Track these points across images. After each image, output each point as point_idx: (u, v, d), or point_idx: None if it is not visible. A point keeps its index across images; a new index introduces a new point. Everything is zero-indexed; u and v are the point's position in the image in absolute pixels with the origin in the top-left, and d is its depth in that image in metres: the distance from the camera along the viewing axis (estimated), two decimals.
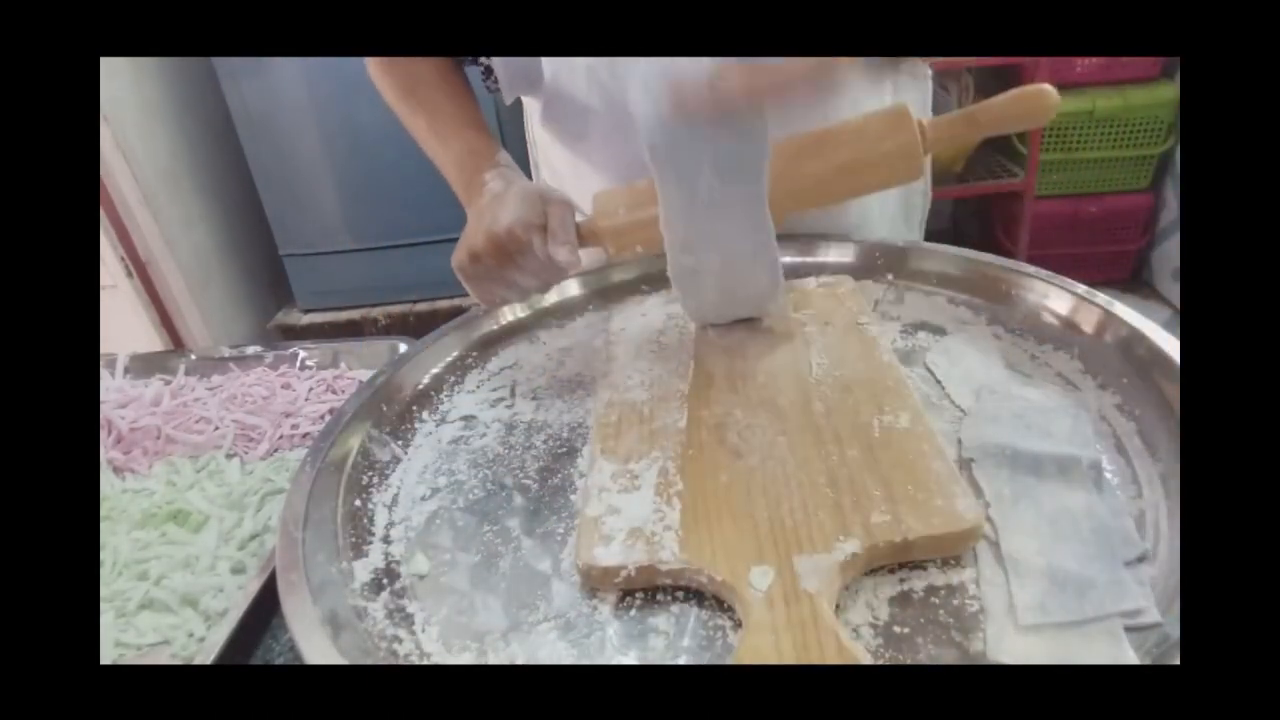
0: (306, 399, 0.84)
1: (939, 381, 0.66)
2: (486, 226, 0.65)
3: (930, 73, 0.91)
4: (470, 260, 0.66)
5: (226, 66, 2.02)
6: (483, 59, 0.84)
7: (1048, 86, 0.66)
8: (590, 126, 0.80)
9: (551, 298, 0.83)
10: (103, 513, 0.70)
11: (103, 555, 0.64)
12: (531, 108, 0.92)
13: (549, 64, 0.76)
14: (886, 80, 0.78)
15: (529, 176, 1.04)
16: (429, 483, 0.64)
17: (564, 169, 0.90)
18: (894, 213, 0.92)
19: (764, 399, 0.63)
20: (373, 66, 0.82)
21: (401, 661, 0.49)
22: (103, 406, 0.83)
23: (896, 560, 0.50)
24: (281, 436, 0.79)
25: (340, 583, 0.53)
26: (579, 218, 0.69)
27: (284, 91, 2.02)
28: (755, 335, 0.71)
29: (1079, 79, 2.18)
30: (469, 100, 0.80)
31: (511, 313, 0.81)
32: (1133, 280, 2.42)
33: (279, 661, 0.56)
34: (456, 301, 2.28)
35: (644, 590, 0.51)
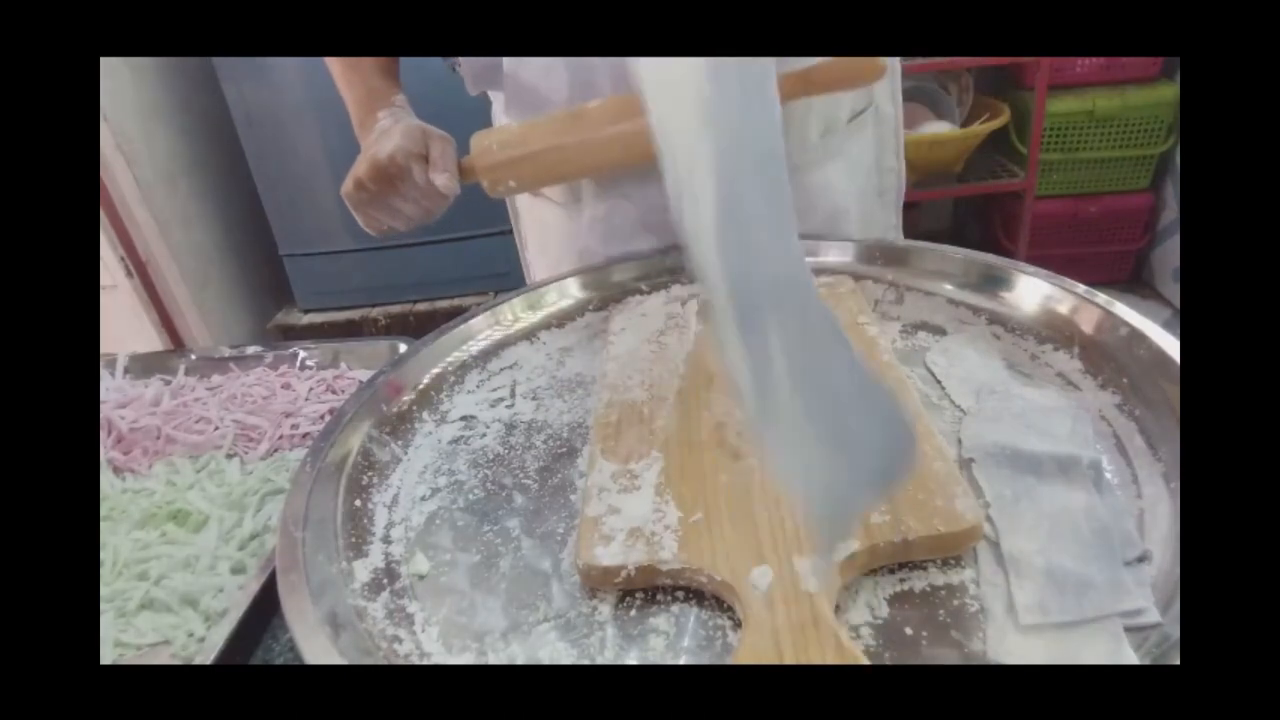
0: (306, 399, 0.84)
1: (939, 381, 0.66)
2: (371, 155, 0.71)
3: (898, 67, 0.91)
4: (355, 187, 0.72)
5: (226, 66, 2.02)
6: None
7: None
8: (554, 85, 0.80)
9: (551, 297, 0.83)
10: (103, 513, 0.70)
11: (103, 555, 0.64)
12: (495, 101, 0.92)
13: (509, 60, 0.79)
14: None
15: (497, 201, 1.04)
16: (429, 483, 0.64)
17: None
18: (863, 186, 0.90)
19: None
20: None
21: (401, 661, 0.49)
22: (103, 406, 0.83)
23: (896, 560, 0.50)
24: (281, 436, 0.79)
25: (340, 583, 0.53)
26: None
27: (284, 91, 2.02)
28: None
29: (1079, 79, 2.18)
30: (393, 59, 0.83)
31: (511, 313, 0.81)
32: (1133, 280, 2.42)
33: (279, 661, 0.56)
34: (456, 301, 2.28)
35: (644, 590, 0.51)
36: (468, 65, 0.83)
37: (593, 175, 0.82)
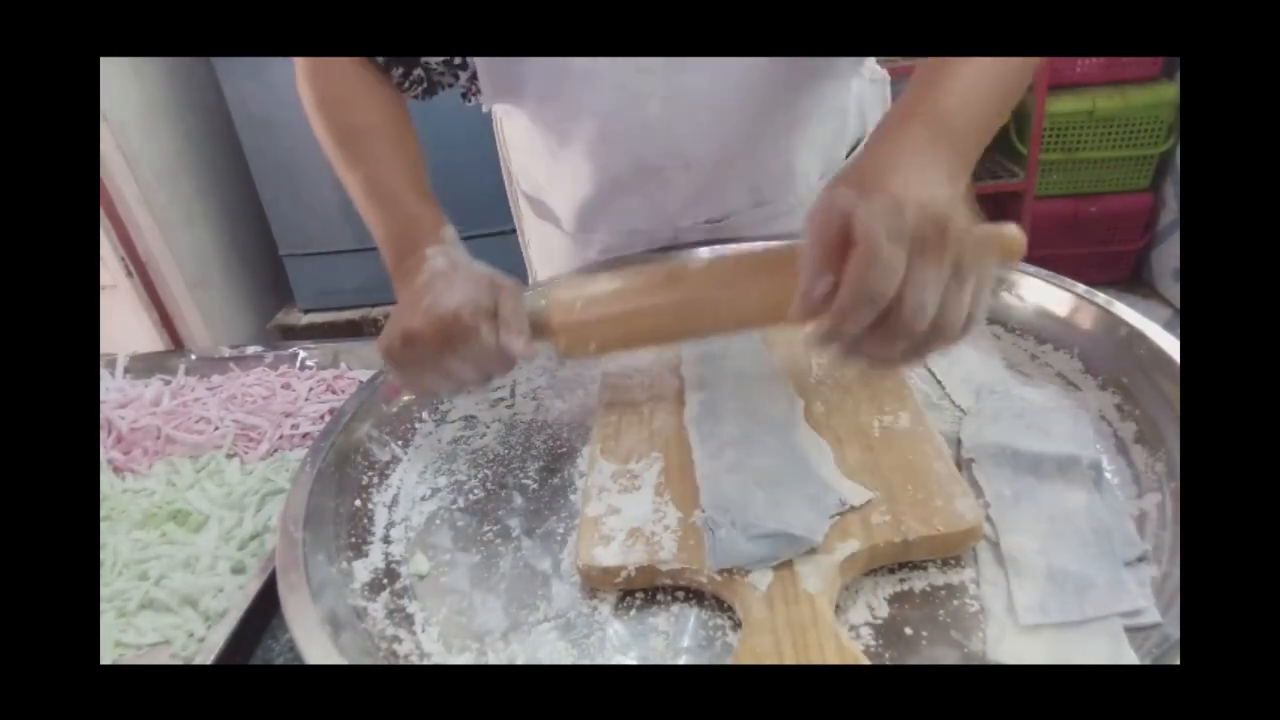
0: (306, 399, 0.84)
1: (939, 381, 0.66)
2: (428, 307, 0.57)
3: (887, 77, 0.92)
4: (404, 343, 0.57)
5: (226, 66, 2.02)
6: (463, 70, 0.78)
7: None
8: (577, 133, 0.77)
9: None
10: (103, 513, 0.70)
11: (103, 555, 0.64)
12: (505, 118, 0.91)
13: (539, 68, 0.73)
14: (826, 82, 0.78)
15: (505, 188, 1.03)
16: (429, 483, 0.64)
17: (542, 179, 0.89)
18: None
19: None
20: (311, 107, 0.73)
21: (401, 661, 0.49)
22: (103, 406, 0.83)
23: (896, 560, 0.50)
24: (281, 436, 0.79)
25: (340, 583, 0.54)
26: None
27: (284, 91, 2.00)
28: (754, 337, 0.71)
29: (1079, 79, 2.18)
30: (416, 157, 0.71)
31: None
32: (1133, 280, 2.42)
33: (279, 661, 0.56)
34: None
35: (644, 590, 0.51)
36: (486, 73, 0.74)
37: (692, 339, 0.65)
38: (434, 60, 0.74)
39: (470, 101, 0.81)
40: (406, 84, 0.75)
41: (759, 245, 0.68)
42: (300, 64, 0.73)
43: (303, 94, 0.73)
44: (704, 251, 0.80)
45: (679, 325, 0.61)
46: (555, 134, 0.78)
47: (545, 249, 0.95)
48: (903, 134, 0.49)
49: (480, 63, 0.73)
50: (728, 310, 0.59)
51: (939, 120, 0.50)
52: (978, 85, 0.52)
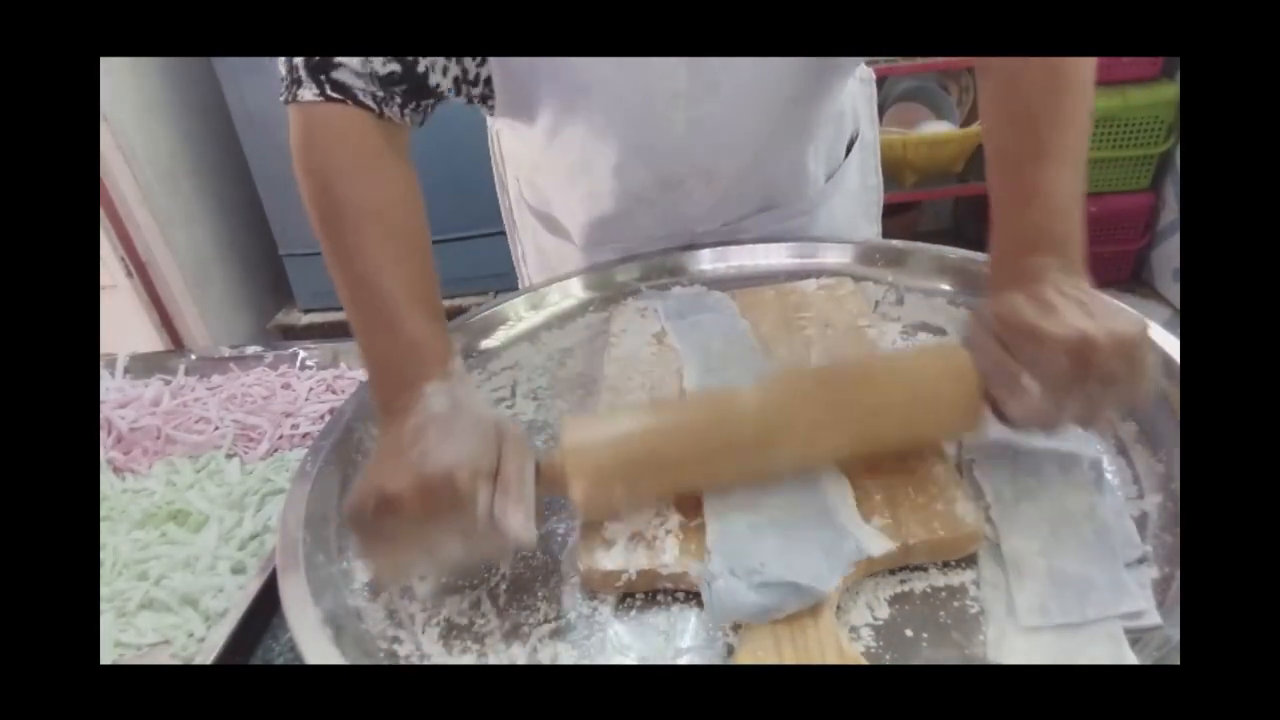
0: (306, 399, 0.84)
1: None
2: (416, 463, 0.47)
3: (873, 76, 0.93)
4: (379, 510, 0.46)
5: (226, 66, 2.02)
6: (477, 83, 0.72)
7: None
8: (599, 156, 0.75)
9: (553, 298, 0.83)
10: (103, 513, 0.70)
11: (103, 555, 0.64)
12: (508, 131, 0.88)
13: (558, 90, 0.69)
14: (835, 85, 0.77)
15: (498, 203, 1.02)
16: None
17: (553, 197, 0.87)
18: (853, 208, 0.93)
19: None
20: (303, 176, 0.60)
21: (401, 661, 0.49)
22: (103, 406, 0.83)
23: (897, 564, 0.49)
24: (281, 436, 0.79)
25: (340, 583, 0.53)
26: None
27: None
28: (755, 337, 0.71)
29: None
30: (425, 255, 0.59)
31: (513, 312, 0.81)
32: (1133, 280, 2.42)
33: (279, 661, 0.56)
34: (457, 302, 2.28)
35: (644, 592, 0.51)
36: (502, 84, 0.69)
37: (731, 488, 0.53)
38: (444, 84, 0.67)
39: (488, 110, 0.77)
40: (416, 110, 0.65)
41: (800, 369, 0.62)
42: (294, 125, 0.61)
43: (296, 163, 0.61)
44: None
45: (727, 469, 0.52)
46: (575, 156, 0.76)
47: (546, 261, 0.94)
48: (1036, 269, 0.52)
49: (497, 81, 0.69)
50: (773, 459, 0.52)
51: (1056, 243, 0.53)
52: (1069, 185, 0.54)
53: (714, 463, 0.52)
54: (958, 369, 0.52)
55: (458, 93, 0.69)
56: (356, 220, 0.57)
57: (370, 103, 0.61)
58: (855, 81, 0.89)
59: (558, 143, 0.75)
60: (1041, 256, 0.52)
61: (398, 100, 0.63)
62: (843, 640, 0.44)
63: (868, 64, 0.92)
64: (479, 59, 0.68)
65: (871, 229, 0.98)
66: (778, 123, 0.74)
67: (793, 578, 0.45)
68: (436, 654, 0.49)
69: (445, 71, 0.66)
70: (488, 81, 0.70)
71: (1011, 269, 0.53)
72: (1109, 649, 0.43)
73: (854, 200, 0.93)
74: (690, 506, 0.53)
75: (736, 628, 0.47)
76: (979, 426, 0.53)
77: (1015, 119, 0.57)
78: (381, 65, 0.61)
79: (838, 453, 0.53)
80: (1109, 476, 0.54)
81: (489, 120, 0.93)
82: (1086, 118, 0.56)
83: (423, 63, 0.63)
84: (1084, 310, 0.48)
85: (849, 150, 0.91)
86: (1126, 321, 0.47)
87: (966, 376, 0.51)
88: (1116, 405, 0.51)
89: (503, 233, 1.04)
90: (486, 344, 0.79)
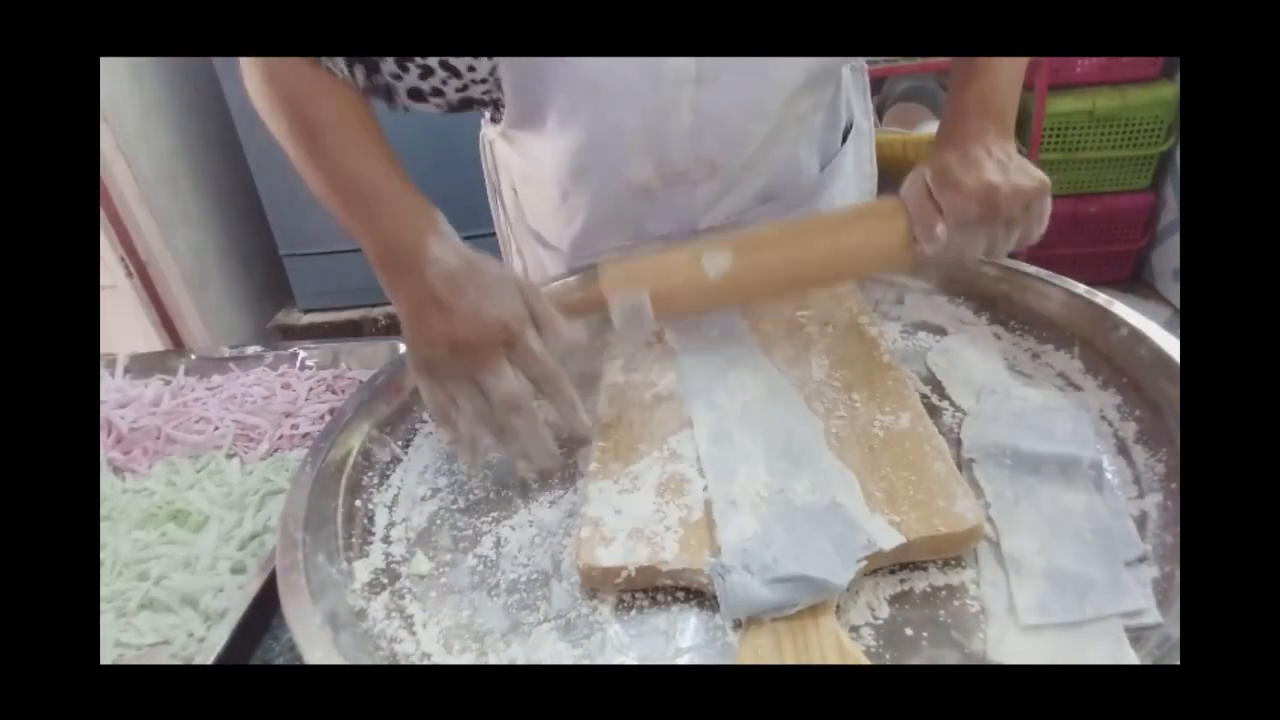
0: (306, 399, 0.84)
1: (939, 381, 0.66)
2: (473, 315, 0.55)
3: (864, 65, 0.93)
4: (453, 353, 0.55)
5: (226, 66, 2.02)
6: (488, 95, 0.74)
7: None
8: (603, 150, 0.75)
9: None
10: (103, 513, 0.70)
11: (103, 555, 0.64)
12: (500, 141, 0.88)
13: (569, 85, 0.70)
14: (834, 73, 0.79)
15: (488, 208, 1.02)
16: (429, 483, 0.64)
17: (547, 208, 0.87)
18: (849, 196, 0.93)
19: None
20: (266, 107, 0.67)
21: (401, 661, 0.49)
22: (103, 406, 0.83)
23: (897, 561, 0.49)
24: (281, 436, 0.79)
25: (340, 583, 0.54)
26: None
27: None
28: (755, 337, 0.71)
29: (1079, 79, 2.18)
30: (387, 148, 0.65)
31: None
32: (1133, 280, 2.41)
33: (279, 661, 0.56)
34: None
35: (644, 590, 0.51)
36: (512, 91, 0.70)
37: (765, 298, 0.72)
38: (451, 91, 0.70)
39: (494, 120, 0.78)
40: (369, 85, 0.69)
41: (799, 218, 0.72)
42: (249, 65, 0.66)
43: (255, 98, 0.67)
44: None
45: (760, 282, 0.66)
46: (577, 155, 0.76)
47: (542, 270, 0.94)
48: (974, 131, 0.64)
49: (507, 85, 0.70)
50: (821, 261, 0.66)
51: (993, 109, 0.65)
52: (1012, 72, 0.67)
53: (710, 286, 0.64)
54: (888, 210, 0.64)
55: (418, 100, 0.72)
56: (325, 126, 0.64)
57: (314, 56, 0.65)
58: (848, 70, 0.89)
59: (560, 142, 0.75)
60: (979, 121, 0.64)
61: (360, 70, 0.68)
62: (843, 639, 0.44)
63: (883, 61, 0.92)
64: (490, 70, 0.69)
65: None
66: (781, 110, 0.74)
67: (806, 572, 0.46)
68: (437, 654, 0.49)
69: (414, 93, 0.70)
70: (487, 84, 0.70)
71: (953, 130, 0.65)
72: (1109, 647, 0.43)
73: (851, 189, 0.92)
74: (692, 503, 0.53)
75: (736, 627, 0.47)
76: (905, 262, 0.65)
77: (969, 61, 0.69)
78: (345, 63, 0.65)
79: (787, 271, 0.66)
80: (1109, 476, 0.54)
81: (481, 129, 0.93)
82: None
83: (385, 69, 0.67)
84: (999, 167, 0.60)
85: (844, 140, 0.91)
86: (1030, 177, 0.60)
87: (895, 217, 0.64)
88: (1017, 244, 0.63)
89: (496, 234, 1.03)
90: None
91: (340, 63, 0.66)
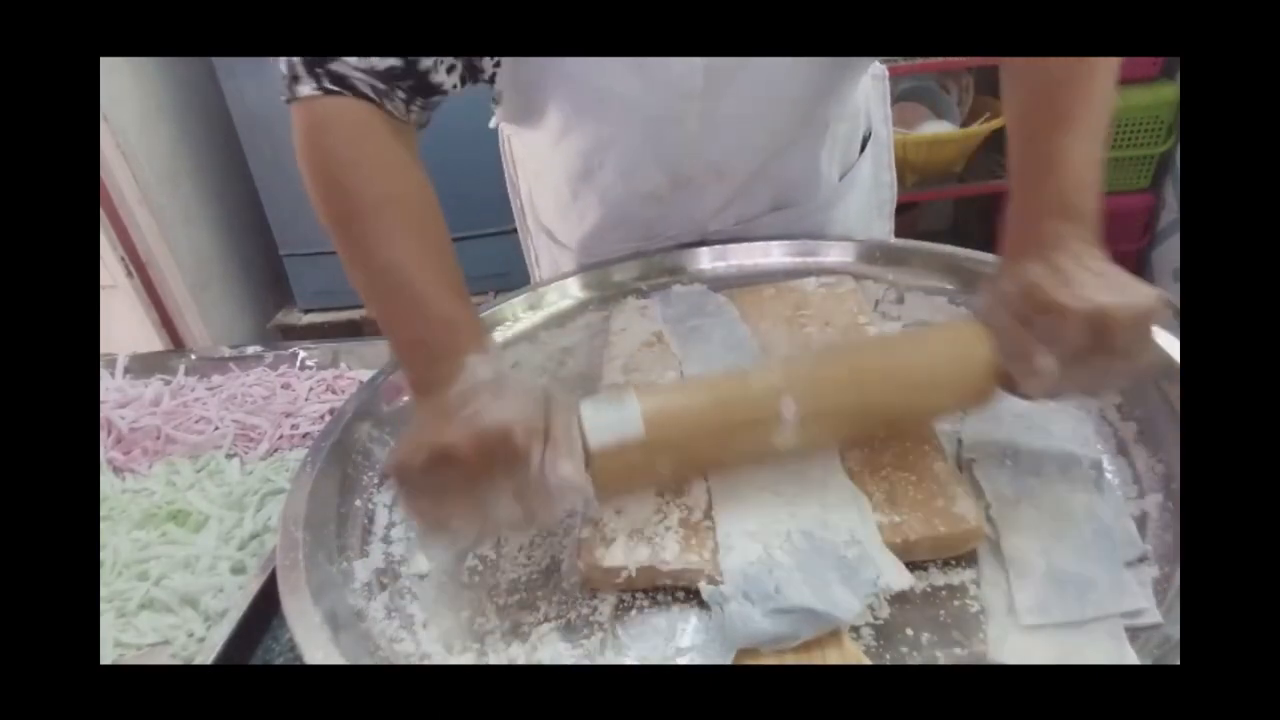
0: (306, 399, 0.84)
1: None
2: (469, 418, 0.48)
3: (886, 73, 0.93)
4: (432, 462, 0.47)
5: (226, 66, 2.02)
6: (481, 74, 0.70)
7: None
8: (610, 155, 0.75)
9: (552, 297, 0.83)
10: (103, 513, 0.70)
11: (103, 555, 0.64)
12: (514, 138, 0.89)
13: (571, 92, 0.68)
14: (848, 82, 0.78)
15: (497, 204, 1.01)
16: None
17: (556, 207, 0.87)
18: (866, 204, 0.93)
19: None
20: (310, 175, 0.60)
21: (401, 661, 0.49)
22: (103, 406, 0.83)
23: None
24: (281, 436, 0.79)
25: (340, 583, 0.53)
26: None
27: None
28: (755, 338, 0.71)
29: None
30: (445, 242, 0.59)
31: (512, 313, 0.81)
32: None
33: (279, 661, 0.56)
34: None
35: (644, 590, 0.51)
36: (512, 90, 0.68)
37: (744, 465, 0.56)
38: (447, 81, 0.63)
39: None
40: (420, 107, 0.63)
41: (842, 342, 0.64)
42: (297, 123, 0.60)
43: (302, 160, 0.60)
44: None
45: (751, 438, 0.52)
46: (583, 157, 0.76)
47: (556, 265, 0.94)
48: (1055, 238, 0.51)
49: (506, 84, 0.69)
50: (889, 414, 0.54)
51: (1075, 214, 0.52)
52: (1090, 158, 0.54)
53: (729, 436, 0.52)
54: (970, 340, 0.52)
55: (462, 85, 0.66)
56: (371, 210, 0.57)
57: (370, 94, 0.59)
58: (868, 78, 0.88)
59: (566, 144, 0.75)
60: (1059, 224, 0.52)
61: (400, 95, 0.60)
62: (844, 638, 0.44)
63: (881, 61, 0.92)
64: (492, 61, 0.66)
65: (885, 226, 0.97)
66: (791, 121, 0.74)
67: (810, 604, 0.44)
68: (437, 654, 0.49)
69: (451, 70, 0.63)
70: (493, 79, 0.69)
71: (1028, 237, 0.53)
72: (1109, 647, 0.43)
73: (867, 198, 0.92)
74: (692, 503, 0.53)
75: None
76: (990, 400, 0.53)
77: (1038, 91, 0.56)
78: (380, 60, 0.58)
79: (852, 422, 0.53)
80: (1109, 476, 0.54)
81: (500, 124, 0.93)
82: (1110, 92, 0.56)
83: (424, 60, 0.60)
84: (1101, 282, 0.49)
85: (862, 148, 0.90)
86: (1142, 295, 0.48)
87: (979, 348, 0.51)
88: (1125, 377, 0.52)
89: (502, 233, 1.03)
90: None
91: (399, 103, 0.60)
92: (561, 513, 0.50)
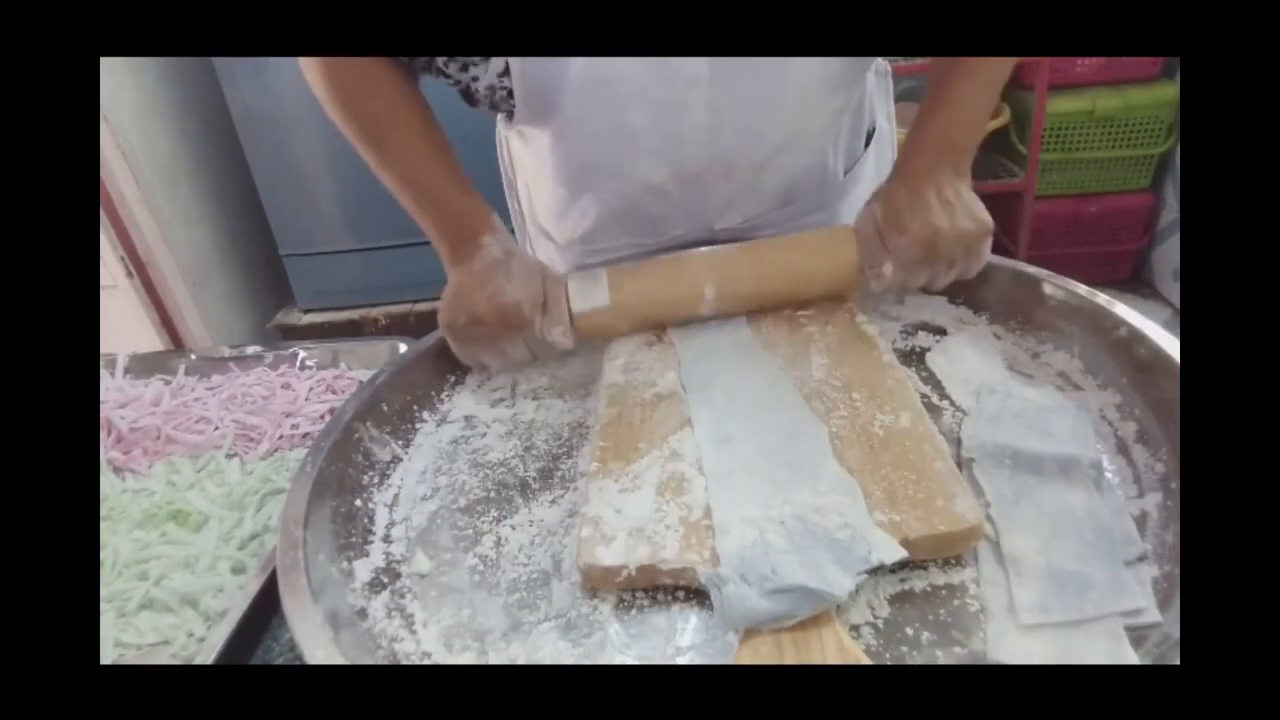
0: (306, 399, 0.84)
1: (939, 381, 0.66)
2: (491, 295, 0.68)
3: (889, 68, 0.93)
4: (468, 323, 0.68)
5: (226, 66, 2.02)
6: (500, 87, 0.73)
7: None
8: (616, 149, 0.75)
9: None
10: (103, 513, 0.70)
11: (103, 555, 0.64)
12: (515, 139, 0.89)
13: (581, 84, 0.70)
14: (853, 77, 0.78)
15: (501, 206, 1.02)
16: (429, 482, 0.64)
17: (557, 207, 0.87)
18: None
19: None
20: (324, 94, 0.73)
21: (402, 661, 0.49)
22: (103, 406, 0.83)
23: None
24: (281, 436, 0.79)
25: (340, 582, 0.54)
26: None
27: (284, 91, 2.01)
28: (756, 336, 0.71)
29: (1079, 79, 2.18)
30: (445, 146, 0.75)
31: None
32: (1133, 280, 2.42)
33: (279, 661, 0.56)
34: None
35: (644, 590, 0.51)
36: (521, 86, 0.71)
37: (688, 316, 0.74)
38: (467, 78, 0.73)
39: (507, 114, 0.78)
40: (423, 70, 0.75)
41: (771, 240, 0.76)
42: (315, 69, 0.72)
43: (311, 80, 0.73)
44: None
45: (682, 310, 0.72)
46: (588, 154, 0.76)
47: (554, 266, 0.94)
48: (928, 169, 0.67)
49: (517, 82, 0.70)
50: (779, 288, 0.72)
51: (951, 148, 0.68)
52: (975, 102, 0.70)
53: (669, 307, 0.72)
54: (841, 245, 0.70)
55: (469, 94, 0.75)
56: (388, 128, 0.73)
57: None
58: (871, 74, 0.88)
59: (570, 140, 0.76)
60: (936, 157, 0.67)
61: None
62: (844, 638, 0.44)
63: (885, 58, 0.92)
64: (502, 69, 0.70)
65: None
66: (798, 116, 0.74)
67: (805, 582, 0.45)
68: (437, 654, 0.49)
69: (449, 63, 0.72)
70: (508, 90, 0.71)
71: (906, 167, 0.69)
72: (1109, 646, 0.43)
73: (870, 191, 0.92)
74: (692, 503, 0.53)
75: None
76: (854, 290, 0.72)
77: (934, 90, 0.71)
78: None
79: (752, 300, 0.73)
80: (1109, 476, 0.54)
81: (498, 127, 0.93)
82: (1006, 69, 0.72)
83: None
84: (947, 210, 0.64)
85: (866, 143, 0.90)
86: (974, 220, 0.65)
87: (846, 252, 0.69)
88: (956, 278, 0.68)
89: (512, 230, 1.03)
90: None
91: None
92: (557, 353, 0.71)
